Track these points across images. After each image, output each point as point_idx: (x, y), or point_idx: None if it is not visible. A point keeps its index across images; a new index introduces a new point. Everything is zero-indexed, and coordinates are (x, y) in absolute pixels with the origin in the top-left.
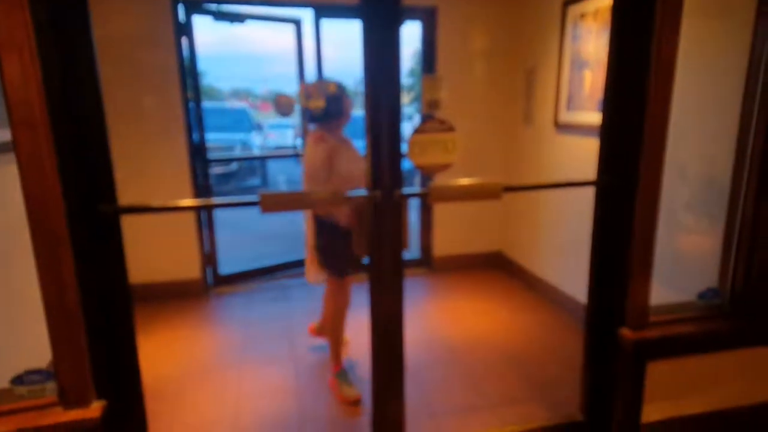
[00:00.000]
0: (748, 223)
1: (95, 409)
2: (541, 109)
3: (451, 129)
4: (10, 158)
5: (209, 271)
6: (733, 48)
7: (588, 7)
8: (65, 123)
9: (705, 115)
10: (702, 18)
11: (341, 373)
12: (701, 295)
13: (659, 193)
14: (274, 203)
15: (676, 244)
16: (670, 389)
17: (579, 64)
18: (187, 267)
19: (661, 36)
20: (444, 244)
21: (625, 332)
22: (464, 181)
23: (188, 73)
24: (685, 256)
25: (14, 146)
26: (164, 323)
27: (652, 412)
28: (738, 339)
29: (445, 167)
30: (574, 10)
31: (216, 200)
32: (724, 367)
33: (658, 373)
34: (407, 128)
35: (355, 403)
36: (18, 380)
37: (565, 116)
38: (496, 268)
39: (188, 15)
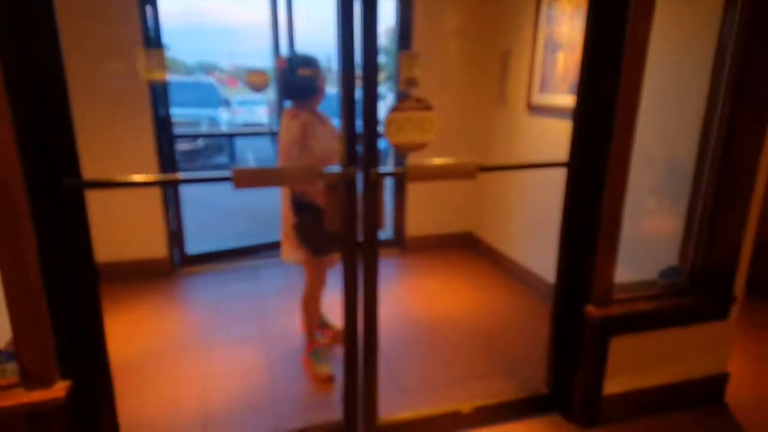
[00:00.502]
0: (710, 205)
1: (59, 389)
2: (515, 90)
3: (428, 108)
4: None
5: (176, 250)
6: (702, 35)
7: None
8: (24, 95)
9: (671, 101)
10: (672, 4)
11: (315, 352)
12: (662, 274)
13: (627, 176)
14: (246, 178)
15: (641, 225)
16: (631, 363)
17: (552, 46)
18: (153, 246)
19: (636, 21)
20: (417, 225)
21: (591, 309)
22: (440, 160)
23: (153, 45)
24: (649, 237)
25: None
26: (130, 303)
27: (612, 385)
28: (695, 315)
29: (421, 146)
30: None
31: (186, 175)
32: (682, 341)
33: (621, 348)
34: (381, 107)
35: (328, 380)
36: None
37: (538, 98)
38: (467, 248)
39: None
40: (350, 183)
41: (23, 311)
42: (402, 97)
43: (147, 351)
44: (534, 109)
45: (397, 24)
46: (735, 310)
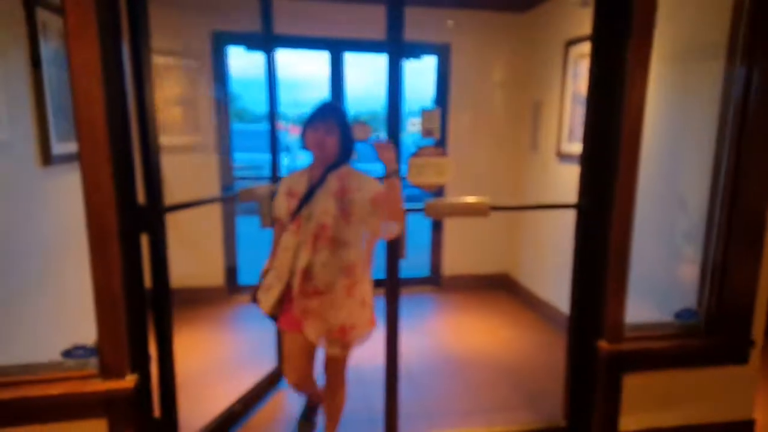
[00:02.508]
0: (720, 250)
1: (129, 381)
2: (546, 139)
3: (443, 154)
4: (62, 168)
5: (231, 279)
6: (706, 90)
7: (587, 48)
8: (121, 137)
9: (691, 151)
10: (671, 63)
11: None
12: (678, 315)
13: (632, 218)
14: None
15: (675, 268)
16: (648, 401)
17: (579, 100)
18: (212, 276)
19: (633, 81)
20: (453, 264)
21: (602, 344)
22: (455, 199)
23: (221, 98)
24: (679, 280)
25: (79, 157)
26: (187, 325)
27: (630, 422)
28: (712, 357)
29: (438, 187)
30: (574, 51)
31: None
32: (700, 383)
33: (636, 385)
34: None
35: None
36: (67, 354)
37: (567, 147)
38: (501, 288)
39: (224, 45)
40: None
41: (107, 315)
42: (424, 144)
43: (200, 368)
44: (563, 156)
45: (436, 77)
46: (755, 355)
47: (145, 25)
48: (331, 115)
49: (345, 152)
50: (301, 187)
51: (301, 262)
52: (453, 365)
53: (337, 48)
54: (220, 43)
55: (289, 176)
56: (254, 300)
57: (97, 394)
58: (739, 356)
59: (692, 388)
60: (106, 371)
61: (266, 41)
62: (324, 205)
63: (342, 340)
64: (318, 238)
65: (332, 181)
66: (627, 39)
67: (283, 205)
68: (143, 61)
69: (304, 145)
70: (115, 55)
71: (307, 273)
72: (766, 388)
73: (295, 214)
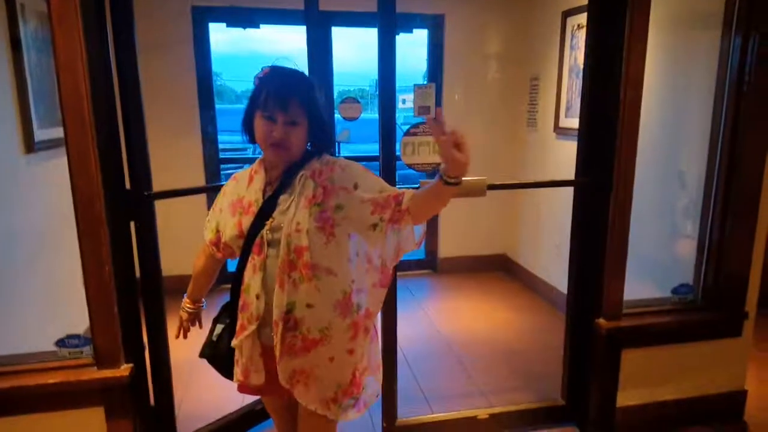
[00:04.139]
0: (717, 224)
1: (124, 369)
2: (543, 114)
3: None
4: (45, 155)
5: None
6: (704, 60)
7: (585, 18)
8: (106, 122)
9: (699, 125)
10: (669, 32)
11: None
12: (674, 291)
13: (632, 194)
14: None
15: (674, 245)
16: (645, 376)
17: (577, 72)
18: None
19: (631, 54)
20: (449, 247)
21: (601, 322)
22: None
23: (203, 77)
24: (676, 256)
25: (66, 143)
26: (177, 313)
27: (627, 397)
28: (708, 331)
29: (433, 166)
30: (572, 21)
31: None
32: (696, 357)
33: (634, 361)
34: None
35: None
36: (61, 343)
37: (564, 122)
38: (499, 270)
39: (205, 22)
40: None
41: (99, 304)
42: (418, 123)
43: (191, 356)
44: (561, 132)
45: (428, 50)
46: (748, 327)
47: (128, 2)
48: (292, 96)
49: (318, 143)
50: (255, 196)
51: (277, 307)
52: (451, 348)
53: (323, 22)
54: (200, 18)
55: (232, 181)
56: (206, 358)
57: (94, 382)
58: (734, 329)
59: (688, 361)
60: (101, 360)
61: (308, 16)
62: (295, 219)
63: (357, 395)
64: (292, 268)
65: (304, 182)
66: (624, 10)
67: (229, 224)
68: (127, 41)
69: (251, 139)
70: (100, 36)
71: (289, 320)
72: (756, 359)
73: (252, 236)
